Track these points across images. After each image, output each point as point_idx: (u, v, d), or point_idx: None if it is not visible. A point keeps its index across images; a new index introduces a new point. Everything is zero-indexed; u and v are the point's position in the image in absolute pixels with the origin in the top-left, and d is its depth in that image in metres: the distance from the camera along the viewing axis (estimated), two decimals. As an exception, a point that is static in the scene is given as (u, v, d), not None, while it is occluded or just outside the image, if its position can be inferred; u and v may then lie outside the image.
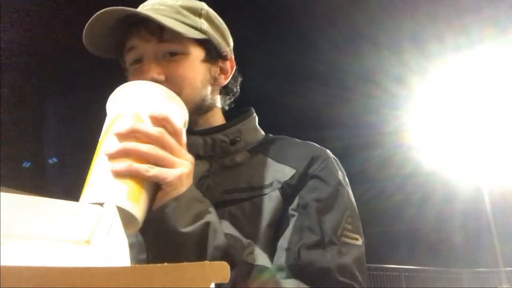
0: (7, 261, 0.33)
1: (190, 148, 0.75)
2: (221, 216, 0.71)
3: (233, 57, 0.85)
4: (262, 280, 0.62)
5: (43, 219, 0.39)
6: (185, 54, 0.76)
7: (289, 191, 0.73)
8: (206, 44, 0.79)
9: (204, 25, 0.79)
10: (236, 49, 0.89)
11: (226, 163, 0.79)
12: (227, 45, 0.84)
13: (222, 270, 0.31)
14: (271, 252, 0.68)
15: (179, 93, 0.68)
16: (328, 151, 0.81)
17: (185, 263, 0.30)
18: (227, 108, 0.88)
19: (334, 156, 0.80)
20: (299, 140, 0.85)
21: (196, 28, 0.77)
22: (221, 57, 0.82)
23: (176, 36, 0.74)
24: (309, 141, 0.84)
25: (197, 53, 0.78)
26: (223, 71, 0.83)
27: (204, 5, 0.82)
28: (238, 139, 0.81)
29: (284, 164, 0.76)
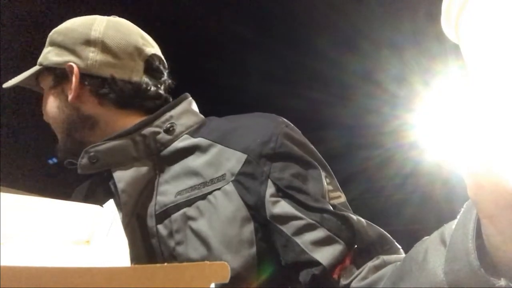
0: (7, 261, 0.33)
1: (120, 154, 0.71)
2: (179, 220, 0.67)
3: (75, 65, 0.73)
4: None
5: (43, 219, 0.39)
6: (45, 91, 0.80)
7: (246, 181, 0.66)
8: (50, 70, 0.77)
9: (46, 50, 0.77)
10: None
11: (170, 154, 0.73)
12: (72, 53, 0.74)
13: (222, 270, 0.31)
14: (235, 250, 0.64)
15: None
16: (278, 119, 0.73)
17: (185, 263, 0.30)
18: (152, 104, 0.78)
19: (285, 123, 0.72)
20: (243, 116, 0.77)
21: (39, 63, 0.78)
22: (65, 72, 0.75)
23: (39, 81, 0.80)
24: (255, 113, 0.76)
25: (47, 84, 0.79)
26: (71, 84, 0.75)
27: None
28: (173, 125, 0.74)
29: (233, 148, 0.69)
